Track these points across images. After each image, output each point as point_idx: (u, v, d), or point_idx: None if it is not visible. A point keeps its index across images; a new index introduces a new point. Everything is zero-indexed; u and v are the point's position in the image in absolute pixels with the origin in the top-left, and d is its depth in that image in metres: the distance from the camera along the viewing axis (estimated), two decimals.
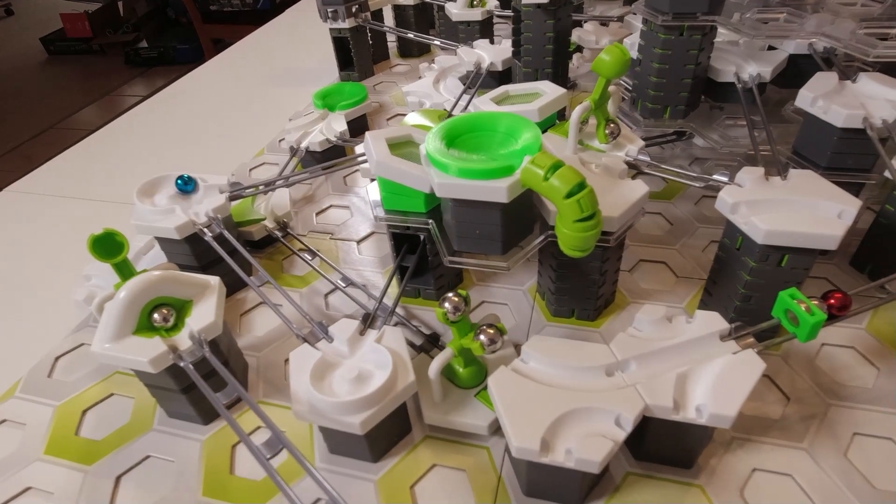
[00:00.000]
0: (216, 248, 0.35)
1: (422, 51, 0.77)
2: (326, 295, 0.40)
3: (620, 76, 0.33)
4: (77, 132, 1.83)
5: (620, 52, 0.32)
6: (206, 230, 0.36)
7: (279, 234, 0.44)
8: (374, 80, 0.71)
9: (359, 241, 0.45)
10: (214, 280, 0.31)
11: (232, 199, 0.38)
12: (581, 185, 0.25)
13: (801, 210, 0.29)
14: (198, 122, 0.67)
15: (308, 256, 0.42)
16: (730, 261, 0.32)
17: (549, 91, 0.39)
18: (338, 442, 0.30)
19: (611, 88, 0.35)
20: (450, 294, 0.28)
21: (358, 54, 0.69)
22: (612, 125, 0.35)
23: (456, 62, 0.59)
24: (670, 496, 0.27)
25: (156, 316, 0.29)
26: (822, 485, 0.27)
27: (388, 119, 0.62)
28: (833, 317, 0.27)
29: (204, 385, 0.26)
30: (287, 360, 0.35)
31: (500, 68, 0.52)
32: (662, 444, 0.27)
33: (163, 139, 0.64)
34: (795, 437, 0.29)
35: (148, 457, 0.31)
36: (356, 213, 0.48)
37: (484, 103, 0.39)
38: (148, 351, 0.27)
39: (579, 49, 0.64)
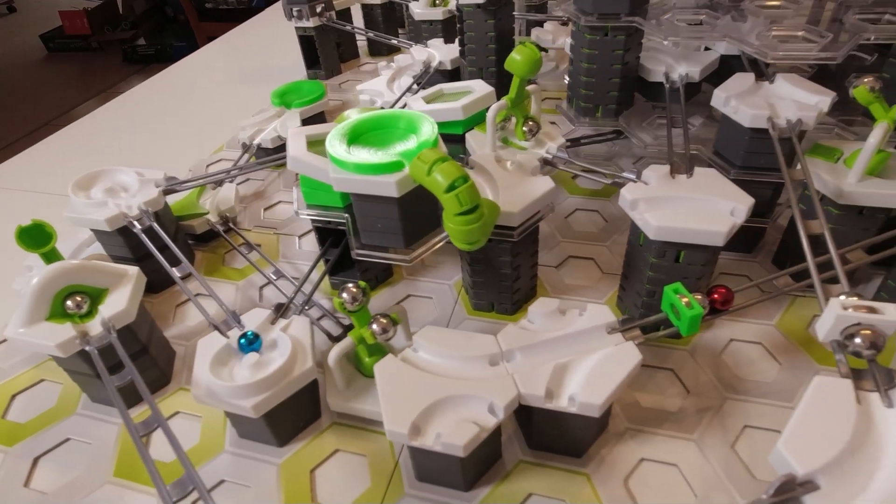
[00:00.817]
0: (144, 241, 0.36)
1: (392, 50, 0.78)
2: (261, 288, 0.42)
3: (533, 75, 0.34)
4: None
5: (531, 51, 0.33)
6: (135, 223, 0.37)
7: (221, 228, 0.45)
8: (341, 79, 0.72)
9: (300, 236, 0.46)
10: (133, 270, 0.32)
11: (166, 193, 0.39)
12: (463, 180, 0.26)
13: (696, 207, 0.30)
14: (165, 118, 0.68)
15: (246, 250, 0.43)
16: (636, 257, 0.33)
17: (477, 89, 0.40)
18: (244, 427, 0.31)
19: (531, 87, 0.36)
20: (349, 284, 0.29)
21: (323, 53, 0.70)
22: (530, 123, 0.36)
23: (411, 61, 0.60)
24: (556, 484, 0.28)
25: (69, 303, 0.30)
26: (705, 474, 0.28)
27: None
28: (716, 311, 0.28)
29: (104, 370, 0.27)
30: None
31: (448, 67, 0.52)
32: (548, 434, 0.28)
33: (127, 135, 0.66)
34: (688, 428, 0.30)
35: (68, 439, 0.32)
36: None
37: (415, 101, 0.40)
38: (57, 336, 0.28)
39: (544, 49, 0.65)
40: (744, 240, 0.40)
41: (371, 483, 0.29)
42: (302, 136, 0.34)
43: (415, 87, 0.51)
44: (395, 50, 0.78)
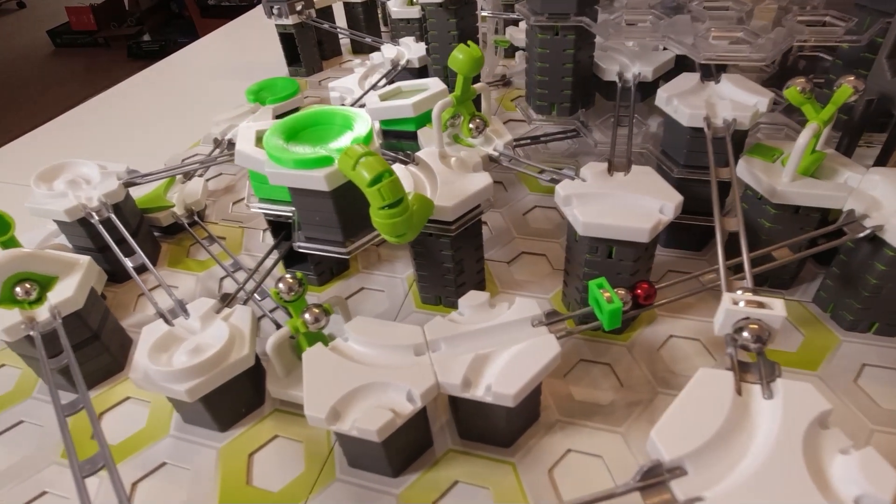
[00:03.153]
0: (101, 232, 0.37)
1: (374, 47, 0.78)
2: (221, 279, 0.43)
3: (475, 73, 0.34)
4: None
5: (472, 49, 0.34)
6: (94, 214, 0.38)
7: (186, 221, 0.46)
8: (322, 76, 0.73)
9: (265, 230, 0.47)
10: (84, 259, 0.33)
11: (127, 185, 0.41)
12: (386, 174, 0.26)
13: (627, 204, 0.31)
14: (147, 114, 0.70)
15: (208, 243, 0.44)
16: (573, 252, 0.34)
17: (432, 87, 0.40)
18: (187, 412, 0.32)
19: (478, 86, 0.37)
20: (286, 276, 0.30)
21: (304, 50, 0.71)
22: (477, 120, 0.37)
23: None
24: (482, 472, 0.29)
25: (18, 290, 0.31)
26: (627, 465, 0.28)
27: None
28: (639, 305, 0.29)
29: (42, 353, 0.29)
30: None
31: (416, 65, 0.53)
32: (475, 423, 0.29)
33: (108, 129, 0.67)
34: (616, 421, 0.30)
35: (21, 422, 0.34)
36: None
37: (371, 98, 0.41)
38: (4, 321, 0.30)
39: (513, 48, 0.65)
40: (693, 238, 0.40)
41: (305, 468, 0.30)
42: (252, 130, 0.35)
43: (381, 84, 0.52)
44: (378, 48, 0.79)
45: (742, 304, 0.21)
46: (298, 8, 0.67)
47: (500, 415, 0.28)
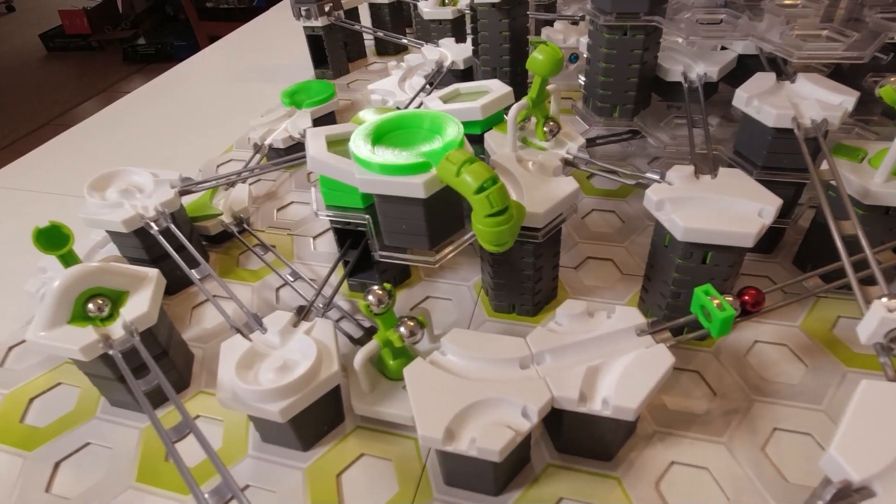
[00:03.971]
0: (162, 243, 0.36)
1: (399, 49, 0.77)
2: (277, 289, 0.41)
3: (554, 74, 0.33)
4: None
5: (553, 50, 0.33)
6: (152, 224, 0.36)
7: (235, 229, 0.44)
8: (349, 78, 0.72)
9: (315, 237, 0.46)
10: (153, 272, 0.32)
11: (182, 193, 0.39)
12: (492, 181, 0.25)
13: (724, 208, 0.30)
14: (172, 119, 0.68)
15: (261, 251, 0.43)
16: (660, 258, 0.33)
17: (495, 89, 0.39)
18: (268, 431, 0.30)
19: (550, 87, 0.36)
20: (374, 287, 0.29)
21: (332, 52, 0.69)
22: (551, 123, 0.36)
23: (422, 61, 0.59)
24: (586, 487, 0.28)
25: (90, 306, 0.29)
26: (736, 477, 0.28)
27: None
28: (747, 312, 0.28)
29: (128, 373, 0.27)
30: None
31: (461, 67, 0.52)
32: (578, 437, 0.28)
33: (135, 135, 0.65)
34: (716, 431, 0.30)
35: (88, 444, 0.32)
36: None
37: (432, 101, 0.40)
38: (79, 339, 0.28)
39: None
40: (764, 240, 0.39)
41: (399, 488, 0.29)
42: (321, 136, 0.34)
43: (427, 86, 0.50)
44: (403, 49, 0.78)
45: None
46: (327, 9, 0.66)
47: (609, 428, 0.27)
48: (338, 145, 0.34)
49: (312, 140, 0.33)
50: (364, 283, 0.39)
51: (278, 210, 0.49)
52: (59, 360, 0.37)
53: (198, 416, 0.33)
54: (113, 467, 0.31)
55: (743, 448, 0.29)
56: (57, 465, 0.31)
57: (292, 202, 0.50)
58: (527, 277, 0.34)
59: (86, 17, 2.28)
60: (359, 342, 0.35)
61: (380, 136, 0.30)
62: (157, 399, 0.33)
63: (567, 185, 0.32)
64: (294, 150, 0.54)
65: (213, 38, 2.19)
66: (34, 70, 2.28)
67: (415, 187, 0.27)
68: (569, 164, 0.35)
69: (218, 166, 0.56)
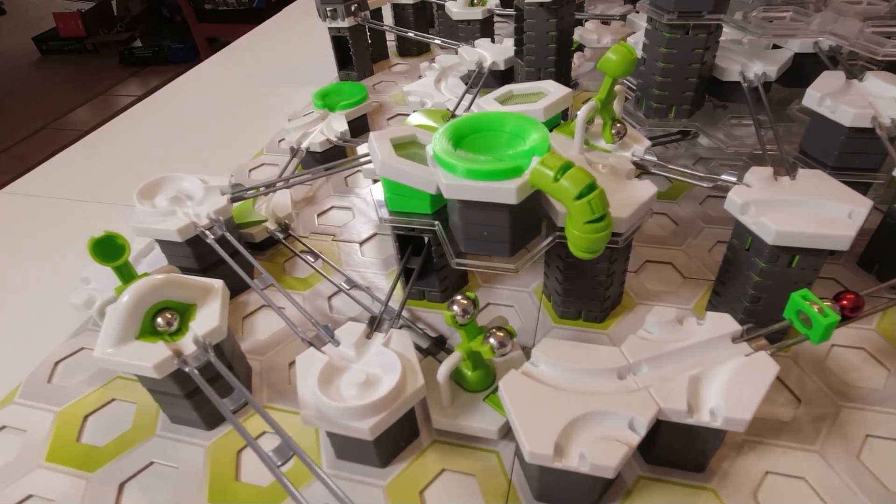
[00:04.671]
0: (218, 251, 0.34)
1: (421, 50, 0.76)
2: (329, 297, 0.40)
3: (627, 75, 0.33)
4: (70, 132, 1.81)
5: (627, 50, 0.32)
6: (207, 232, 0.35)
7: (281, 235, 0.43)
8: (374, 80, 0.71)
9: (361, 243, 0.45)
10: (218, 283, 0.31)
11: (233, 200, 0.38)
12: (591, 187, 0.24)
13: (811, 210, 0.29)
14: (195, 123, 0.66)
15: (310, 258, 0.41)
16: (738, 262, 0.32)
17: (553, 90, 0.38)
18: (345, 447, 0.29)
19: (617, 88, 0.35)
20: (458, 297, 0.28)
21: (357, 53, 0.68)
22: (618, 125, 0.35)
23: (457, 61, 0.58)
24: (682, 500, 0.27)
25: (159, 320, 0.28)
26: (835, 487, 0.27)
27: (388, 119, 0.62)
28: (845, 318, 0.27)
29: (210, 390, 0.26)
30: (291, 364, 0.35)
31: (502, 67, 0.51)
32: (674, 448, 0.27)
33: (159, 140, 0.64)
34: (807, 439, 0.29)
35: (151, 463, 0.31)
36: (358, 215, 0.48)
37: (488, 103, 0.39)
38: (152, 356, 0.27)
39: (580, 48, 0.64)
40: None
41: None
42: (386, 140, 0.33)
43: (472, 88, 0.49)
44: (426, 50, 0.77)
45: None
46: (353, 9, 0.64)
47: (708, 439, 0.26)
48: (401, 149, 0.33)
49: (380, 144, 0.32)
50: (423, 291, 0.38)
51: (319, 215, 0.48)
52: (109, 374, 0.35)
53: (263, 433, 0.32)
54: (181, 487, 0.29)
55: (837, 456, 0.28)
56: (122, 486, 0.30)
57: (332, 207, 0.49)
58: (598, 283, 0.33)
59: (80, 19, 2.24)
60: (427, 353, 0.33)
61: (459, 140, 0.29)
62: (218, 416, 0.32)
63: (645, 188, 0.31)
64: (330, 153, 0.53)
65: (211, 41, 2.18)
66: (28, 73, 2.24)
67: (506, 193, 0.26)
68: (637, 167, 0.35)
69: (250, 171, 0.55)
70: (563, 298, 0.35)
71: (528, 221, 0.30)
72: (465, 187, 0.26)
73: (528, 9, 0.45)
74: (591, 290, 0.34)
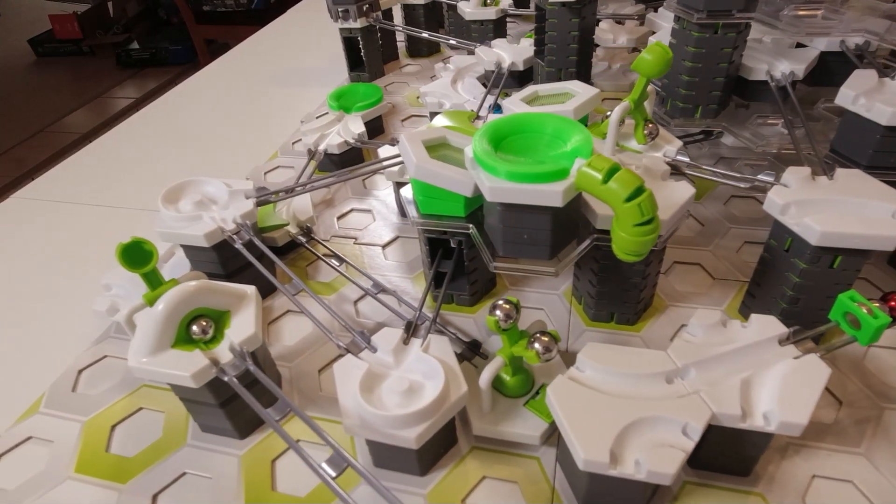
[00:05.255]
0: (247, 256, 0.34)
1: (431, 50, 0.76)
2: (356, 302, 0.39)
3: (662, 75, 0.32)
4: (68, 135, 1.80)
5: (663, 50, 0.31)
6: (235, 237, 0.34)
7: (303, 239, 0.43)
8: (385, 81, 0.70)
9: (384, 246, 0.44)
10: (251, 290, 0.30)
11: (259, 204, 0.37)
12: (641, 189, 0.24)
13: (853, 210, 0.29)
14: (206, 125, 0.66)
15: (335, 262, 0.41)
16: (776, 263, 0.32)
17: (581, 91, 0.38)
18: (384, 455, 0.29)
19: (649, 88, 0.35)
20: (500, 301, 0.27)
21: (368, 54, 0.67)
22: (650, 125, 0.35)
23: (472, 62, 0.58)
24: None
25: (194, 328, 0.27)
26: (884, 491, 0.27)
27: (402, 120, 0.61)
28: (895, 319, 0.27)
29: (252, 400, 0.25)
30: (321, 371, 0.35)
31: (521, 68, 0.51)
32: (721, 452, 0.27)
33: (171, 142, 0.63)
34: (851, 441, 0.29)
35: (184, 473, 0.30)
36: (378, 217, 0.47)
37: (514, 104, 0.38)
38: (189, 365, 0.26)
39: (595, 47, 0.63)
40: None
41: None
42: (418, 141, 0.32)
43: (494, 89, 0.49)
44: (436, 50, 0.76)
45: None
46: (364, 9, 0.64)
47: (757, 443, 0.26)
48: (433, 151, 0.33)
49: (412, 147, 0.31)
50: (451, 295, 0.37)
51: (338, 218, 0.48)
52: (135, 382, 0.35)
53: (299, 441, 0.31)
54: (217, 498, 0.29)
55: (883, 458, 0.28)
56: (155, 497, 0.29)
57: (352, 209, 0.49)
58: (633, 285, 0.33)
59: (77, 21, 2.22)
60: (462, 357, 0.33)
61: (499, 141, 0.28)
62: (253, 424, 0.32)
63: (682, 189, 0.31)
64: (349, 155, 0.52)
65: (209, 42, 2.16)
66: (24, 76, 2.22)
67: (552, 195, 0.25)
68: (672, 168, 0.34)
69: (265, 174, 0.54)
70: (596, 301, 0.35)
71: (567, 224, 0.29)
72: (510, 190, 0.26)
73: (550, 8, 0.45)
74: (624, 293, 0.34)
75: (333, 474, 0.23)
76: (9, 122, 1.93)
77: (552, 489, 0.28)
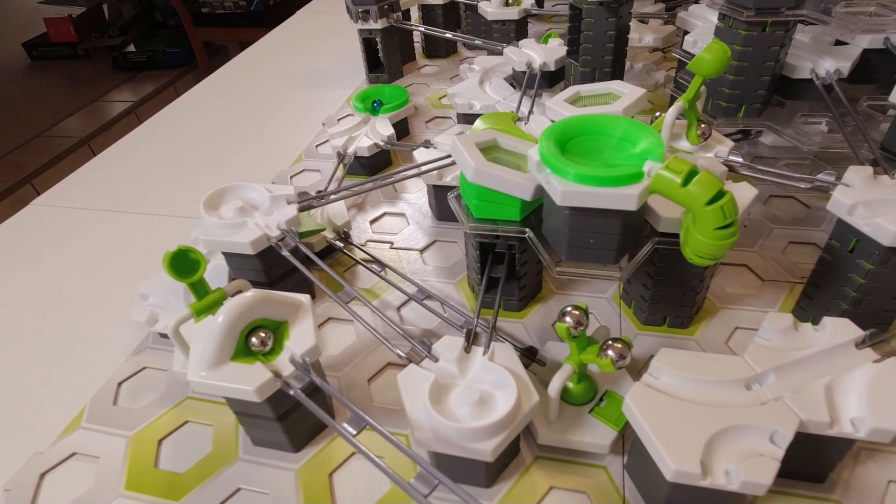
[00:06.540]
0: (296, 264, 0.33)
1: (449, 51, 0.75)
2: (399, 308, 0.39)
3: (719, 74, 0.32)
4: (66, 139, 1.77)
5: (722, 49, 0.31)
6: (280, 244, 0.34)
7: (340, 244, 0.42)
8: (405, 82, 0.69)
9: (421, 251, 0.43)
10: (306, 298, 0.29)
11: (302, 209, 0.36)
12: (722, 192, 0.23)
13: None
14: (226, 128, 0.65)
15: (376, 267, 0.40)
16: (838, 264, 0.31)
17: (626, 91, 0.37)
18: (448, 467, 0.28)
19: (702, 89, 0.34)
20: (569, 308, 0.26)
21: (387, 55, 0.67)
22: (703, 125, 0.34)
23: (497, 62, 0.57)
24: None
25: (254, 340, 0.27)
26: None
27: (426, 122, 0.60)
28: None
29: (324, 415, 0.24)
30: (370, 380, 0.34)
31: (552, 68, 0.50)
32: (798, 459, 0.26)
33: (193, 147, 0.62)
34: None
35: (239, 489, 0.29)
36: (412, 221, 0.46)
37: (559, 105, 0.38)
38: (252, 378, 0.25)
39: None
40: None
41: None
42: (473, 144, 0.32)
43: (525, 90, 0.48)
44: (454, 51, 0.76)
45: None
46: (384, 10, 0.63)
47: (839, 449, 0.25)
48: (486, 153, 0.32)
49: (468, 150, 0.31)
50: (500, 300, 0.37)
51: (372, 222, 0.47)
52: (178, 395, 0.34)
53: (353, 454, 0.30)
54: None
55: None
56: None
57: (385, 213, 0.48)
58: (690, 289, 0.32)
59: (72, 24, 2.20)
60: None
61: (564, 143, 0.28)
62: (306, 437, 0.31)
63: (745, 190, 0.30)
64: (378, 158, 0.51)
65: (207, 44, 2.14)
66: (19, 80, 2.19)
67: (627, 199, 0.25)
68: (729, 169, 0.34)
69: (291, 177, 0.54)
70: (651, 304, 0.34)
71: (634, 228, 0.28)
72: (583, 193, 0.25)
73: (587, 7, 0.44)
74: (680, 296, 0.33)
75: (426, 492, 0.22)
76: (4, 127, 1.90)
77: (623, 498, 0.27)
